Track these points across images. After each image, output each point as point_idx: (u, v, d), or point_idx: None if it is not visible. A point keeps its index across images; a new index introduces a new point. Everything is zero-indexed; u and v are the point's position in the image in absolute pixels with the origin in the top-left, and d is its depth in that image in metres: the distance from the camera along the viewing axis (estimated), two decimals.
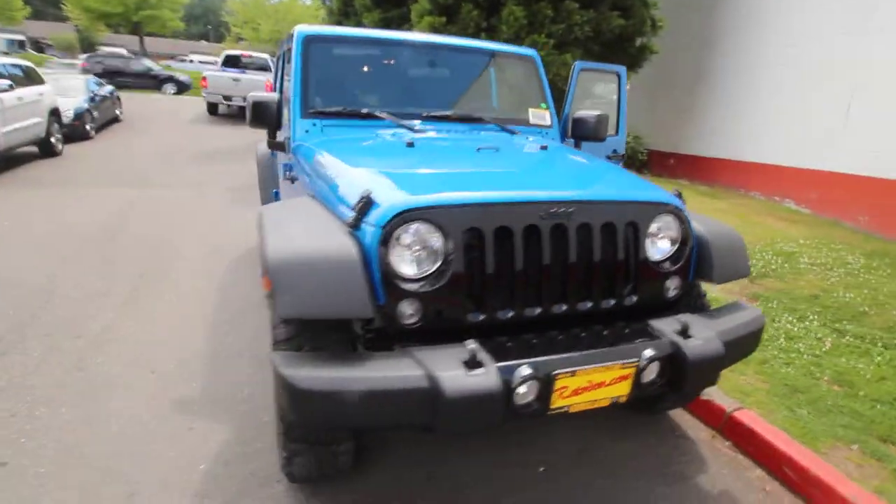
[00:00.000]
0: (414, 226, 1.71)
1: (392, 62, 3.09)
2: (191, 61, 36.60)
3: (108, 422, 2.44)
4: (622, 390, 1.81)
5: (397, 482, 2.16)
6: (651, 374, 1.82)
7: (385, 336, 1.81)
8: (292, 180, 2.70)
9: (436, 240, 1.73)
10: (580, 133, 3.26)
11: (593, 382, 1.74)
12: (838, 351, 3.24)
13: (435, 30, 8.41)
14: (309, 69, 2.81)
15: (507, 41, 7.69)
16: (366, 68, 3.04)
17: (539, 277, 1.84)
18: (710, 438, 2.56)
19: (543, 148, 2.62)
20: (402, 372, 1.57)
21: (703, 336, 1.89)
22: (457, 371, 1.55)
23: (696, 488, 2.24)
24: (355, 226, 1.74)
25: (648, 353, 1.80)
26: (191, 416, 2.52)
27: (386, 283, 1.68)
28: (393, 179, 1.92)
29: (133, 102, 15.67)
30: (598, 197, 1.96)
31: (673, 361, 1.84)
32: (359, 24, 12.96)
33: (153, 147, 10.18)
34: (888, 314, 3.76)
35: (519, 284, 1.81)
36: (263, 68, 15.73)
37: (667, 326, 1.93)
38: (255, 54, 16.53)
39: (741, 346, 2.05)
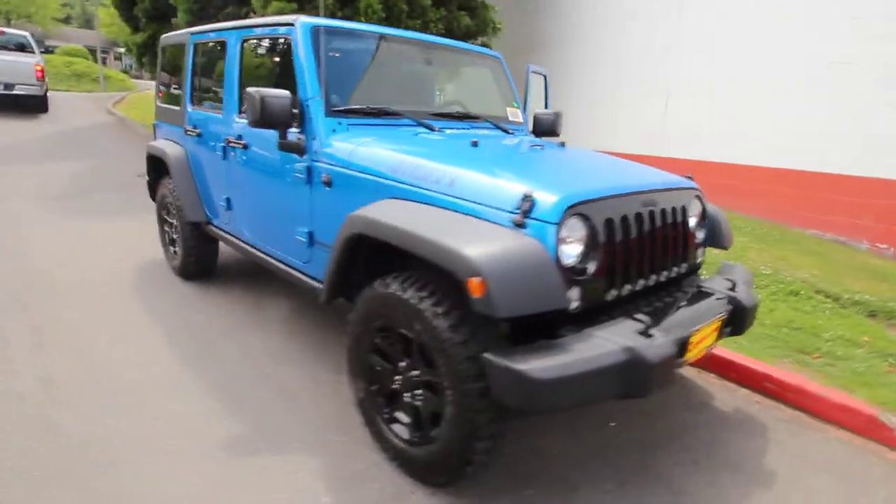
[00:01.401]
0: (572, 219, 1.87)
1: (390, 58, 3.04)
2: None
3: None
4: (711, 339, 2.24)
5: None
6: (725, 323, 2.30)
7: (541, 324, 1.94)
8: (327, 183, 2.52)
9: (587, 230, 1.92)
10: (540, 130, 3.63)
11: (702, 336, 2.14)
12: None
13: None
14: (324, 64, 2.63)
15: None
16: (366, 64, 2.94)
17: (647, 255, 2.16)
18: (698, 373, 3.21)
19: (562, 145, 2.90)
20: (604, 349, 1.74)
21: (744, 289, 2.43)
22: (646, 341, 1.79)
23: (714, 410, 2.83)
24: (522, 224, 1.83)
25: (726, 306, 2.27)
26: (252, 453, 2.25)
27: (561, 275, 1.82)
28: (524, 178, 2.01)
29: None
30: (664, 185, 2.35)
31: (735, 311, 2.33)
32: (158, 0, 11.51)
33: None
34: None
35: (636, 262, 2.11)
36: (23, 48, 12.77)
37: (717, 285, 2.43)
38: (9, 30, 13.27)
39: None
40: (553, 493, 2.13)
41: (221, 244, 4.15)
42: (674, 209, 2.31)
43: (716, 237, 2.69)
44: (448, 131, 2.87)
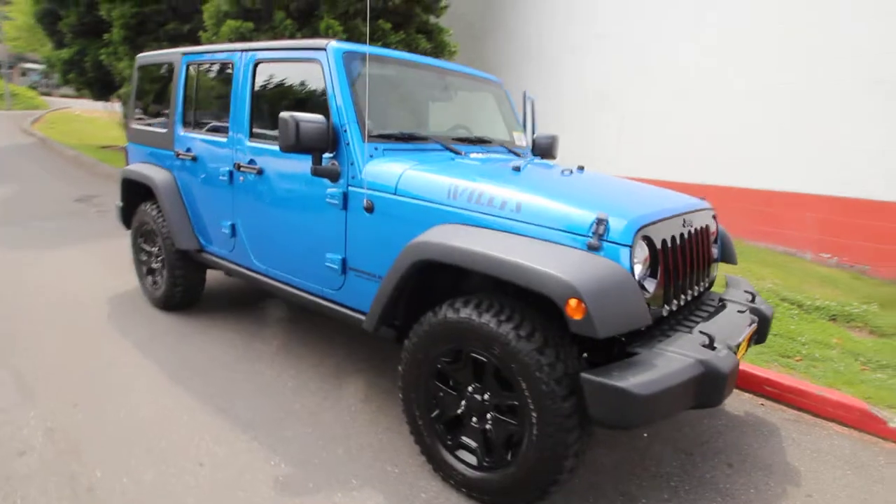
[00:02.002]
0: (641, 241, 1.98)
1: (414, 83, 3.07)
2: None
3: None
4: (745, 349, 2.41)
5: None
6: (754, 333, 2.48)
7: (609, 342, 2.02)
8: (369, 209, 2.49)
9: (650, 251, 2.04)
10: (538, 152, 3.77)
11: (742, 346, 2.30)
12: None
13: (242, 36, 7.78)
14: (358, 88, 2.62)
15: None
16: (393, 89, 2.95)
17: (689, 271, 2.31)
18: None
19: (581, 168, 3.02)
20: (683, 363, 1.85)
21: (761, 300, 2.64)
22: (713, 353, 1.91)
23: (728, 414, 3.02)
24: (598, 247, 1.91)
25: (752, 317, 2.46)
26: (314, 491, 2.15)
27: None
28: (587, 203, 2.09)
29: None
30: (694, 207, 2.52)
31: (760, 321, 2.53)
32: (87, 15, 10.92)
33: None
34: None
35: (682, 278, 2.26)
36: None
37: (739, 298, 2.62)
38: None
39: None
40: None
41: (210, 272, 3.98)
42: (701, 228, 2.48)
43: (726, 254, 2.90)
44: (473, 155, 2.92)
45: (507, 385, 1.98)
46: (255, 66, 3.06)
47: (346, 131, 2.57)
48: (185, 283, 3.81)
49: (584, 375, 1.74)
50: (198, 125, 3.55)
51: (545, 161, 3.49)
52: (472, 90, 3.49)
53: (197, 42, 8.66)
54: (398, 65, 2.98)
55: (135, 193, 4.12)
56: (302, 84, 2.88)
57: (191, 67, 3.58)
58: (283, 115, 2.44)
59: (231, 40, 7.82)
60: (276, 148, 2.91)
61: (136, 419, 2.59)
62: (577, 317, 1.71)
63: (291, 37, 7.96)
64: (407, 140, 2.76)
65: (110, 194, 7.84)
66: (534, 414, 1.87)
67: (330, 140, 2.54)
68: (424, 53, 9.02)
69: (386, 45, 8.41)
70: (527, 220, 2.07)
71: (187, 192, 3.63)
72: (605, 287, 1.74)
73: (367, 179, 2.51)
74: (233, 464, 2.29)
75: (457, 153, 2.84)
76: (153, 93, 4.11)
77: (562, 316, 1.78)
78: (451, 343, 2.09)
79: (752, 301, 2.61)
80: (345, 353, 3.41)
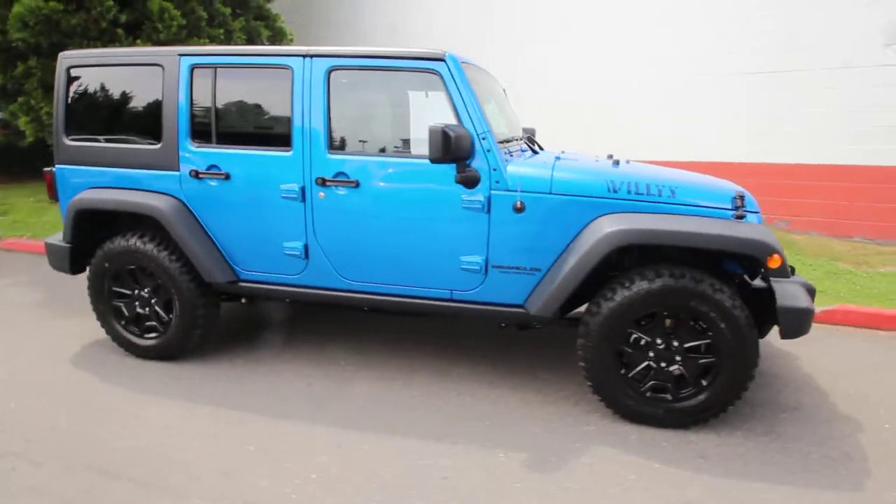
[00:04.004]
0: None
1: (491, 87, 3.27)
2: None
3: None
4: None
5: None
6: None
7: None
8: (519, 209, 2.72)
9: None
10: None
11: None
12: None
13: (48, 20, 6.22)
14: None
15: (164, 44, 6.69)
16: (481, 94, 3.09)
17: None
18: None
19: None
20: (803, 292, 2.69)
21: None
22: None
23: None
24: (743, 216, 2.61)
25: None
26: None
27: None
28: (714, 183, 2.76)
29: None
30: None
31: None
32: None
33: None
34: None
35: None
36: None
37: None
38: None
39: None
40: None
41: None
42: None
43: None
44: (566, 153, 3.33)
45: (696, 332, 2.56)
46: (330, 72, 2.87)
47: (484, 139, 2.73)
48: (206, 323, 3.31)
49: (786, 304, 2.44)
50: (224, 138, 3.08)
51: (573, 152, 3.98)
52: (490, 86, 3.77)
53: None
54: (476, 71, 3.15)
55: (92, 228, 3.33)
56: (402, 94, 2.86)
57: (198, 72, 3.05)
58: (435, 126, 2.51)
59: (30, 25, 6.18)
60: (381, 159, 2.89)
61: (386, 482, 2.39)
62: (775, 266, 2.40)
63: (112, 22, 6.63)
64: (504, 143, 3.00)
65: None
66: (730, 345, 2.50)
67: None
68: (264, 42, 8.44)
69: (228, 32, 7.64)
70: (683, 202, 2.65)
71: (212, 218, 3.14)
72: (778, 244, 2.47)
73: (515, 181, 2.73)
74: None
75: (510, 152, 3.14)
76: (107, 102, 3.29)
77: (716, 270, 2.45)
78: (649, 308, 2.57)
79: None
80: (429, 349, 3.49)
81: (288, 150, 2.96)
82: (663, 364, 2.65)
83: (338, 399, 2.96)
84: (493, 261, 2.83)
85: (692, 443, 2.59)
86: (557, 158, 2.99)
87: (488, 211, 2.77)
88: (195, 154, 3.09)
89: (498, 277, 2.85)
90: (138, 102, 3.26)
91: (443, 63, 2.75)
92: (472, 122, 2.73)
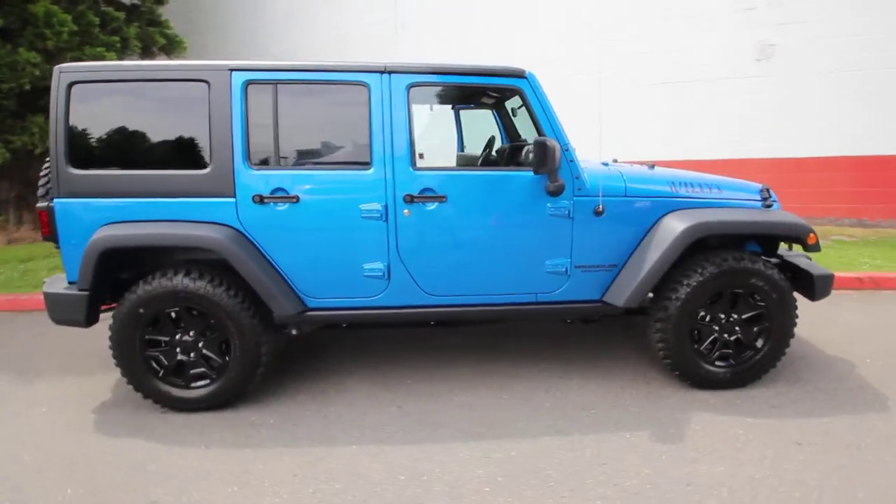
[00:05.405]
0: None
1: None
2: None
3: None
4: None
5: None
6: None
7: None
8: (599, 213, 2.98)
9: None
10: None
11: None
12: None
13: None
14: None
15: (53, 53, 5.80)
16: None
17: None
18: None
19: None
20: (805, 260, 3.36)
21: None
22: None
23: None
24: (770, 205, 3.19)
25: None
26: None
27: None
28: (745, 181, 3.30)
29: None
30: None
31: None
32: None
33: None
34: None
35: None
36: None
37: None
38: None
39: None
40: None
41: None
42: None
43: None
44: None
45: (750, 304, 3.07)
46: (410, 89, 2.85)
47: (567, 150, 2.95)
48: (268, 361, 3.04)
49: (819, 273, 3.03)
50: (289, 160, 2.87)
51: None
52: None
53: None
54: None
55: (113, 269, 2.88)
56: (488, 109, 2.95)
57: (254, 88, 2.80)
58: (546, 140, 2.71)
59: None
60: (469, 172, 2.97)
61: None
62: (812, 243, 2.99)
63: None
64: None
65: None
66: (779, 311, 3.05)
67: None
68: (160, 49, 7.63)
69: (124, 40, 6.77)
70: (726, 197, 3.16)
71: (277, 244, 2.89)
72: None
73: (594, 188, 2.99)
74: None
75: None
76: (127, 124, 2.84)
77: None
78: (718, 288, 3.00)
79: None
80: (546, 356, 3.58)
81: (367, 169, 2.87)
82: (726, 335, 3.12)
83: (437, 415, 2.95)
84: (576, 261, 3.06)
85: (756, 397, 3.08)
86: (605, 164, 3.32)
87: (571, 216, 3.00)
88: (256, 178, 2.83)
89: (580, 277, 3.08)
90: (173, 123, 2.88)
91: (524, 80, 2.91)
92: (554, 133, 2.93)
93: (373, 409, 3.03)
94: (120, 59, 6.62)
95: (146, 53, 7.31)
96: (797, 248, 3.36)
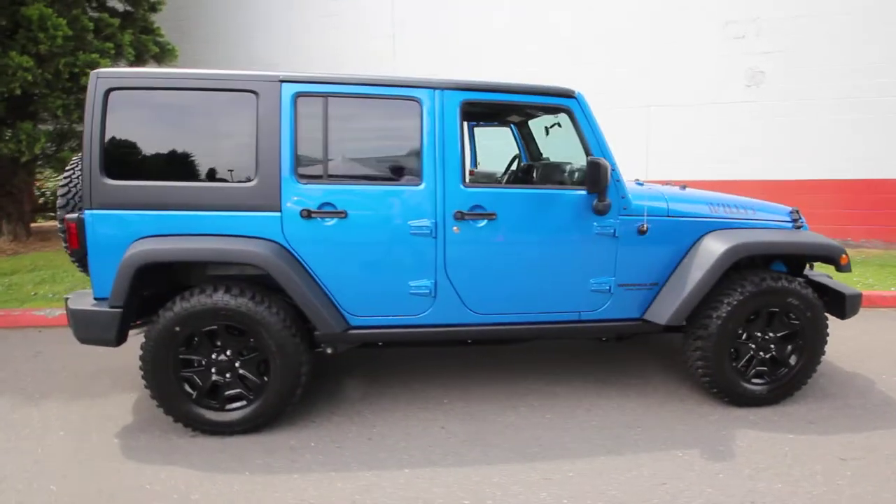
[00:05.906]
0: None
1: None
2: None
3: None
4: None
5: None
6: None
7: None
8: (643, 232, 3.02)
9: None
10: None
11: None
12: None
13: None
14: None
15: (46, 57, 5.58)
16: None
17: None
18: None
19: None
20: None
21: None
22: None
23: None
24: (800, 226, 3.29)
25: None
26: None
27: None
28: (769, 204, 3.39)
29: None
30: None
31: None
32: None
33: None
34: None
35: None
36: None
37: None
38: None
39: None
40: None
41: None
42: None
43: None
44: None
45: (785, 323, 3.14)
46: (462, 105, 2.84)
47: (614, 170, 2.98)
48: (307, 381, 2.93)
49: (848, 293, 3.13)
50: (337, 174, 2.80)
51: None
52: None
53: None
54: None
55: (152, 285, 2.76)
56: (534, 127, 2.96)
57: (303, 100, 2.74)
58: (596, 160, 2.74)
59: None
60: (518, 190, 2.97)
61: None
62: (844, 263, 3.09)
63: None
64: None
65: None
66: (812, 329, 3.12)
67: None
68: (152, 57, 7.42)
69: (119, 47, 6.56)
70: (760, 217, 3.24)
71: (322, 260, 2.81)
72: None
73: (638, 208, 3.03)
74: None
75: None
76: (169, 133, 2.72)
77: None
78: (757, 307, 3.06)
79: None
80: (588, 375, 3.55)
81: (418, 184, 2.83)
82: (762, 353, 3.17)
83: (484, 436, 2.89)
84: (620, 280, 3.08)
85: (792, 414, 3.14)
86: (639, 184, 3.37)
87: (616, 235, 3.02)
88: (304, 192, 2.75)
89: (623, 295, 3.10)
90: (217, 134, 2.78)
91: (574, 99, 2.94)
92: (602, 154, 2.96)
93: (416, 429, 2.96)
94: (114, 66, 6.41)
95: (139, 61, 7.09)
96: (818, 267, 3.48)
